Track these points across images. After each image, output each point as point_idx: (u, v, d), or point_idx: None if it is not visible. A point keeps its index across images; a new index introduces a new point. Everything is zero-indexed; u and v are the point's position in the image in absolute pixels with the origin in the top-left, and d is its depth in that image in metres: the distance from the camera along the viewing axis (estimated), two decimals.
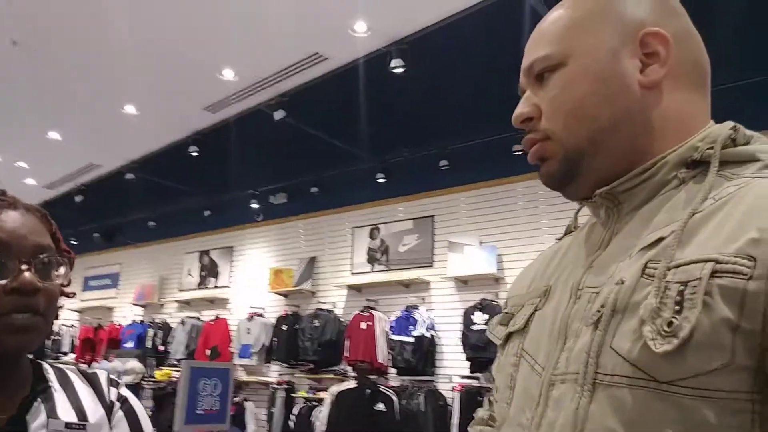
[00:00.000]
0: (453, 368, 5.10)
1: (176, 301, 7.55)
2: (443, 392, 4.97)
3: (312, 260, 6.37)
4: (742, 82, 3.51)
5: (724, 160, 0.57)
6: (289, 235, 6.77)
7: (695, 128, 0.62)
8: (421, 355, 5.11)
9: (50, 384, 0.83)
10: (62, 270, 0.81)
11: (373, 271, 5.91)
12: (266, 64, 4.36)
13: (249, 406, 6.06)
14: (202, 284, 7.39)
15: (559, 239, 0.76)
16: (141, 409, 0.90)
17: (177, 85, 4.83)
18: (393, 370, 5.31)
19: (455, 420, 4.63)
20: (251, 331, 6.33)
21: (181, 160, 5.89)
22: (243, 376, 6.41)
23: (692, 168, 0.59)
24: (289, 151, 5.66)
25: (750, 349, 0.47)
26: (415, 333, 5.16)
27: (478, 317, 4.82)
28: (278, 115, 4.70)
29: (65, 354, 8.32)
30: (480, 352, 4.69)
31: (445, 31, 3.71)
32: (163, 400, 6.23)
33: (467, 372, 4.89)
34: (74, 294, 0.90)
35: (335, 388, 4.88)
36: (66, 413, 0.80)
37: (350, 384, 4.86)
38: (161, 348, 7.09)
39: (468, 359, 4.87)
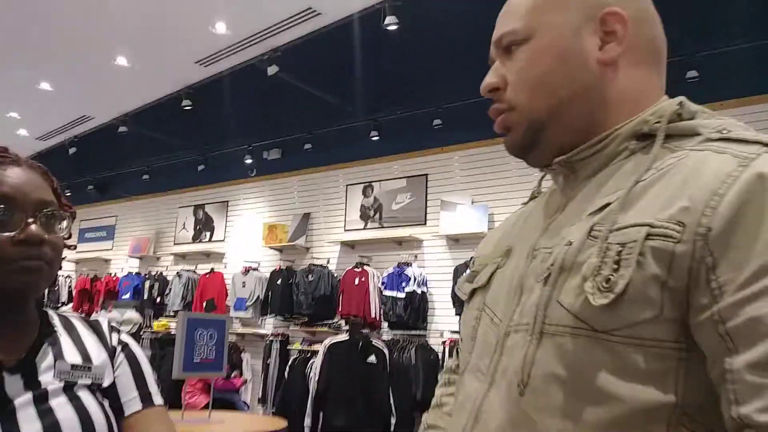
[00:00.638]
0: (444, 323, 5.26)
1: (172, 254, 7.65)
2: (434, 346, 5.13)
3: (306, 216, 6.43)
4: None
5: (670, 134, 0.62)
6: (283, 191, 6.82)
7: (648, 103, 0.66)
8: (413, 311, 5.25)
9: (56, 329, 0.89)
10: (64, 223, 0.86)
11: (366, 228, 5.99)
12: (259, 18, 4.30)
13: (246, 357, 6.24)
14: (197, 238, 7.47)
15: (525, 203, 0.82)
16: (141, 353, 0.96)
17: (169, 38, 4.77)
18: (385, 325, 5.47)
19: None
20: (246, 284, 6.46)
21: (174, 113, 5.86)
22: (239, 329, 6.58)
23: (642, 140, 0.64)
24: (282, 107, 5.64)
25: (676, 304, 0.53)
26: (407, 289, 5.28)
27: None
28: (271, 70, 4.66)
29: (63, 304, 8.47)
30: None
31: None
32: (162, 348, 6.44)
33: (457, 327, 5.04)
34: (75, 246, 0.95)
35: (328, 341, 5.03)
36: (72, 356, 0.86)
37: (342, 337, 5.01)
38: (158, 300, 7.23)
39: (458, 314, 5.01)
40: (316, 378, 4.86)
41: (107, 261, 8.47)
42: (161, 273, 7.47)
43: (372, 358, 4.84)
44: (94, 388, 0.86)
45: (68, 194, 7.20)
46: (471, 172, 5.40)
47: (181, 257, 7.51)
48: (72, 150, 7.35)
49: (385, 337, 5.42)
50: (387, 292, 5.40)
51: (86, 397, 0.83)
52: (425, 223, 5.61)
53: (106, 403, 0.86)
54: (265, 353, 6.12)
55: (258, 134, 6.46)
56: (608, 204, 0.60)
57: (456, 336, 4.98)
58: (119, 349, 0.93)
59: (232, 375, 5.65)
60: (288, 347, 6.03)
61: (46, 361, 0.83)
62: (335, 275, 5.86)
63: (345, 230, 6.13)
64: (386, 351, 4.97)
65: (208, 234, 7.41)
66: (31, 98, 6.33)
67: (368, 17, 3.98)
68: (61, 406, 0.80)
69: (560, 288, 0.59)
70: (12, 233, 0.78)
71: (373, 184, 6.03)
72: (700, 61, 4.14)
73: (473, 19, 4.28)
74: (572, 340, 0.57)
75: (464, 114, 5.09)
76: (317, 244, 6.33)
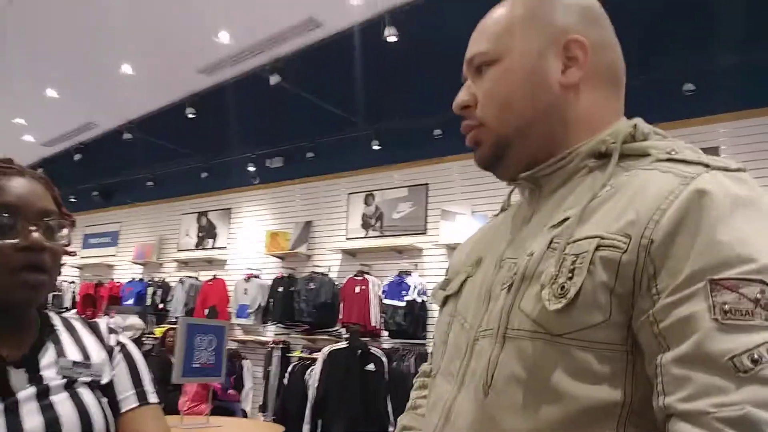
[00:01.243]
0: None
1: (175, 260, 7.70)
2: None
3: (308, 224, 6.48)
4: None
5: (624, 153, 0.66)
6: (285, 199, 6.87)
7: (606, 124, 0.71)
8: (413, 319, 5.27)
9: (56, 328, 0.94)
10: (65, 231, 0.91)
11: (367, 237, 6.03)
12: (261, 28, 4.37)
13: (246, 364, 6.26)
14: (200, 245, 7.53)
15: (496, 215, 0.86)
16: (138, 354, 1.01)
17: (173, 47, 4.84)
18: (385, 333, 5.49)
19: None
20: (248, 291, 6.49)
21: (178, 121, 5.93)
22: (240, 336, 6.60)
23: (600, 159, 0.68)
24: (285, 116, 5.70)
25: (623, 309, 0.57)
26: (407, 298, 5.30)
27: None
28: (274, 79, 4.73)
29: (67, 309, 8.51)
30: None
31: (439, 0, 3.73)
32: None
33: None
34: (75, 253, 1.00)
35: (327, 348, 5.06)
36: (73, 354, 0.91)
37: (342, 344, 5.04)
38: (161, 306, 7.26)
39: None
40: (315, 385, 4.88)
41: (111, 267, 8.53)
42: (164, 279, 7.52)
43: (371, 366, 4.86)
44: (94, 386, 0.90)
45: (73, 200, 7.24)
46: (471, 182, 5.44)
47: (183, 264, 7.56)
48: (77, 156, 7.43)
49: (384, 345, 5.44)
50: (387, 301, 5.42)
51: (86, 394, 0.87)
52: (425, 232, 5.65)
53: (104, 401, 0.90)
54: (266, 361, 6.15)
55: (261, 143, 6.52)
56: (567, 218, 0.64)
57: None
58: (117, 349, 0.98)
59: (229, 389, 5.62)
60: (288, 355, 6.06)
61: (48, 357, 0.88)
62: (336, 283, 5.89)
63: (346, 238, 6.17)
64: (385, 359, 4.99)
65: (210, 241, 7.46)
66: (37, 105, 6.41)
67: (368, 29, 4.05)
68: (61, 401, 0.84)
69: (522, 295, 0.64)
70: (15, 240, 0.83)
71: (374, 192, 6.08)
72: (697, 75, 4.19)
73: (471, 31, 4.33)
74: (531, 343, 0.61)
75: None
76: (318, 252, 6.37)
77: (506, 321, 0.64)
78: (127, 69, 5.33)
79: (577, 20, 0.71)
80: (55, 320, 0.96)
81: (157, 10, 4.28)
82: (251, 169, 6.80)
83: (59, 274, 0.91)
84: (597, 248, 0.59)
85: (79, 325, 0.98)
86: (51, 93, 6.11)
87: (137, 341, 6.64)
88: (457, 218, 5.33)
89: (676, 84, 4.20)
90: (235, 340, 6.53)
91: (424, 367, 0.89)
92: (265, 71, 4.84)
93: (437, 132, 5.29)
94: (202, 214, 7.61)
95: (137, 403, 0.94)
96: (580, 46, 0.70)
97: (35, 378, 0.84)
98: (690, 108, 4.36)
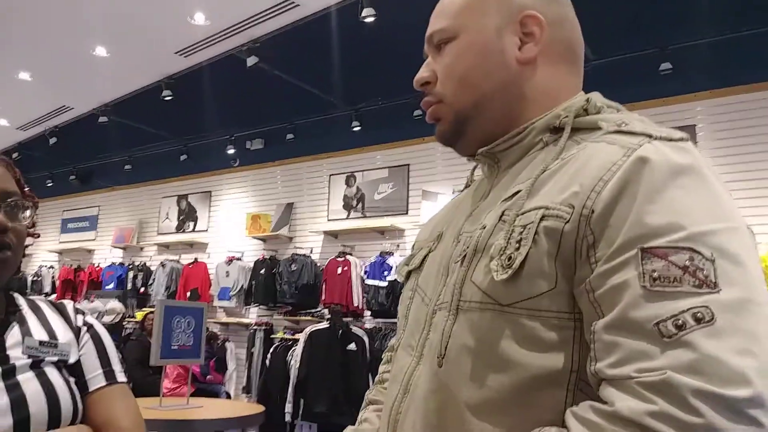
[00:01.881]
0: None
1: (155, 244, 7.65)
2: None
3: (289, 206, 6.46)
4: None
5: (577, 127, 0.68)
6: (266, 180, 6.83)
7: (562, 99, 0.72)
8: (395, 299, 5.31)
9: (21, 308, 0.94)
10: (28, 213, 0.91)
11: (349, 218, 6.04)
12: (238, 9, 4.30)
13: (230, 346, 6.28)
14: (180, 228, 7.48)
15: (461, 191, 0.88)
16: (105, 334, 1.01)
17: (148, 28, 4.74)
18: (368, 313, 5.54)
19: None
20: (230, 274, 6.49)
21: (155, 104, 5.83)
22: (223, 318, 6.61)
23: (555, 133, 0.70)
24: (263, 98, 5.64)
25: (567, 278, 0.59)
26: (390, 278, 5.34)
27: None
28: (251, 61, 4.66)
29: (47, 295, 8.43)
30: None
31: None
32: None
33: None
34: (39, 234, 1.00)
35: (309, 329, 5.09)
36: (39, 334, 0.91)
37: (323, 325, 5.07)
38: (142, 290, 7.23)
39: None
40: (297, 365, 4.92)
41: (90, 251, 8.44)
42: (145, 263, 7.47)
43: (352, 346, 4.91)
44: (61, 365, 0.90)
45: (50, 185, 7.09)
46: (452, 163, 5.46)
47: (164, 247, 7.51)
48: (53, 140, 7.28)
49: (367, 325, 5.49)
50: (369, 281, 5.46)
51: (52, 373, 0.88)
52: (407, 213, 5.67)
53: (71, 380, 0.91)
54: (249, 342, 6.17)
55: (240, 124, 6.46)
56: (519, 191, 0.66)
57: None
58: (84, 329, 0.98)
59: (208, 375, 5.63)
60: (272, 336, 6.09)
61: (13, 337, 0.88)
62: (318, 264, 5.91)
63: (328, 220, 6.18)
64: (366, 338, 5.04)
65: (191, 224, 7.41)
66: (10, 88, 6.25)
67: (346, 9, 4.00)
68: (27, 380, 0.84)
69: (473, 268, 0.65)
70: None
71: (355, 174, 6.07)
72: (674, 54, 4.22)
73: None
74: (481, 314, 0.63)
75: None
76: (300, 234, 6.37)
77: (459, 293, 0.66)
78: (101, 51, 5.21)
79: None
80: (21, 301, 0.96)
81: None
82: (231, 151, 6.74)
83: (24, 255, 0.91)
84: (542, 218, 0.60)
85: (45, 306, 0.98)
86: (24, 76, 5.96)
87: (118, 325, 6.62)
88: (438, 198, 5.36)
89: (653, 63, 4.23)
90: (217, 323, 6.54)
91: (392, 342, 0.91)
92: (242, 52, 4.77)
93: (417, 113, 5.28)
94: (182, 197, 7.54)
95: (105, 383, 0.94)
96: (537, 23, 0.71)
97: (1, 357, 0.84)
98: (667, 87, 4.40)
